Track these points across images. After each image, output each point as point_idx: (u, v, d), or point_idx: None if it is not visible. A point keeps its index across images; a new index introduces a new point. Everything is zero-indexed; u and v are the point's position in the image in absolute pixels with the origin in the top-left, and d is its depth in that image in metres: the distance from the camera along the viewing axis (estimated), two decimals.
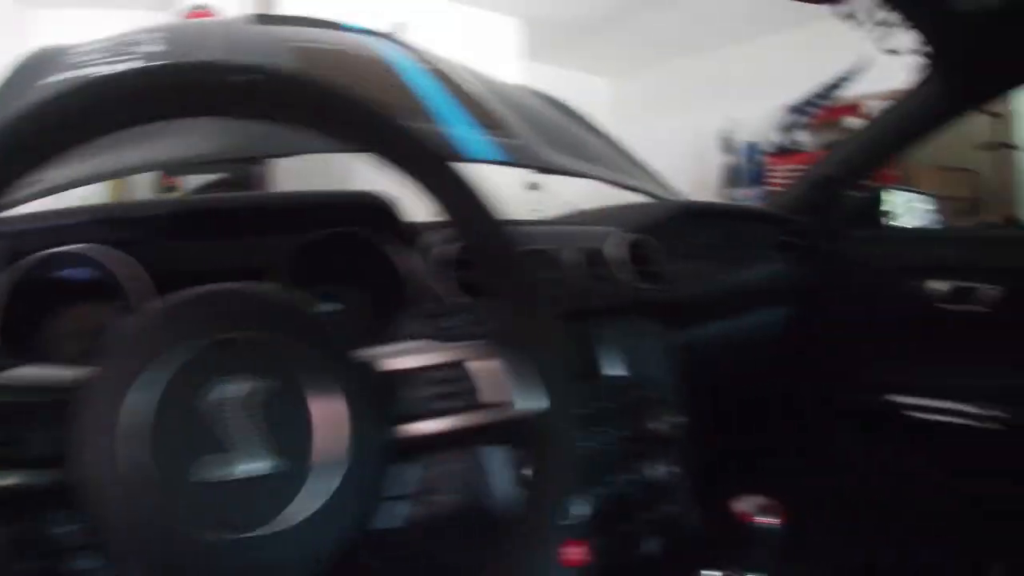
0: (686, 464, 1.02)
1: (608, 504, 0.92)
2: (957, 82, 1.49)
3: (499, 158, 1.06)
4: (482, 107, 1.17)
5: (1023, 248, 1.62)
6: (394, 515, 0.54)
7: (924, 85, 1.53)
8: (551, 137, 1.26)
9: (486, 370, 0.51)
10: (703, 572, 0.91)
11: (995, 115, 3.84)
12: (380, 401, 0.48)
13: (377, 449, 0.47)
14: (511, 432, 0.51)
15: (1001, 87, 1.54)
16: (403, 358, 0.51)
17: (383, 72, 1.15)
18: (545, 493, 0.49)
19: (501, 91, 1.35)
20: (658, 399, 1.02)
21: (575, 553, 0.87)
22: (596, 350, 0.99)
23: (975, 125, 3.90)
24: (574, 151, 1.37)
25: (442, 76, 1.21)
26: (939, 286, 1.57)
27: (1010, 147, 3.94)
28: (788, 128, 4.53)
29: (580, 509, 0.88)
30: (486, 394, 0.51)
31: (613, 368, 0.99)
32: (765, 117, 4.63)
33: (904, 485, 1.48)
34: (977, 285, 1.50)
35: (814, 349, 1.59)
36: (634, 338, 1.02)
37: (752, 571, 0.78)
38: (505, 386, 0.51)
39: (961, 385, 1.56)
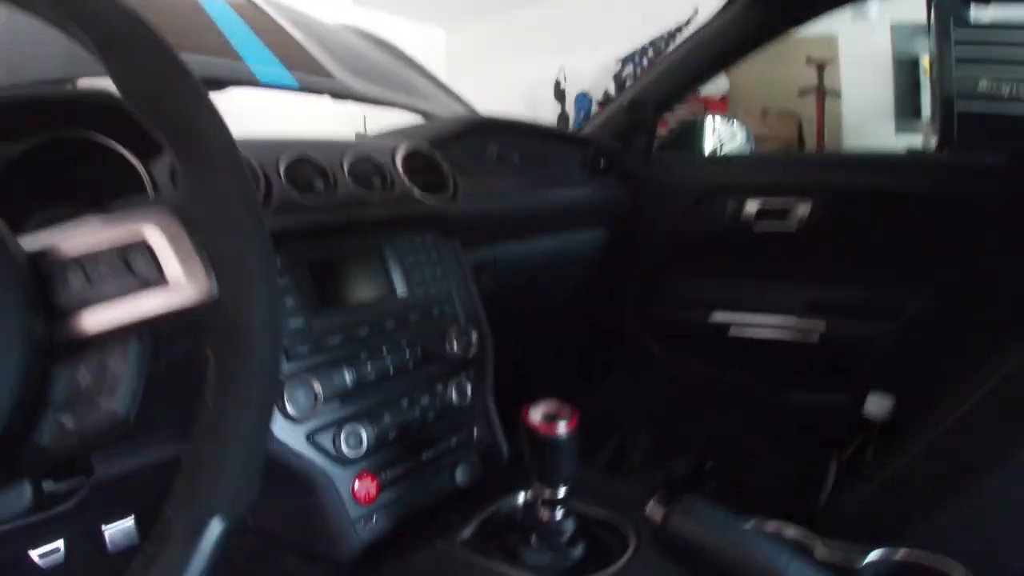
0: (485, 386, 0.98)
1: (403, 432, 0.86)
2: (765, 3, 1.51)
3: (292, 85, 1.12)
4: (286, 40, 1.21)
5: (828, 169, 1.68)
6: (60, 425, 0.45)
7: (733, 5, 1.54)
8: (357, 67, 1.25)
9: (169, 251, 0.43)
10: (511, 498, 0.88)
11: (820, 65, 4.08)
12: (37, 290, 0.39)
13: (33, 346, 0.38)
14: (192, 321, 0.43)
15: (812, 8, 1.58)
16: (74, 239, 0.42)
17: (191, 10, 1.15)
18: (227, 395, 0.42)
19: (314, 27, 1.34)
20: (456, 319, 0.97)
21: (363, 486, 0.81)
22: (386, 267, 0.92)
23: (801, 72, 4.13)
24: (382, 80, 1.33)
25: (249, 13, 1.24)
26: (751, 207, 1.62)
27: (832, 94, 4.18)
28: (621, 78, 4.61)
29: (362, 437, 0.81)
30: (171, 277, 0.43)
31: (404, 286, 0.92)
32: (599, 67, 4.70)
33: (726, 395, 1.52)
34: (787, 207, 1.55)
35: (630, 269, 1.60)
36: (425, 254, 0.96)
37: (554, 484, 0.74)
38: (190, 267, 0.43)
39: (774, 300, 1.61)
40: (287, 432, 0.76)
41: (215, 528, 0.41)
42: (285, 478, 0.79)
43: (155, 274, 0.42)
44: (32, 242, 0.41)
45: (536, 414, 0.72)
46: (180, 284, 0.42)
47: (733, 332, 1.59)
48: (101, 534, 0.96)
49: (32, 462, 0.48)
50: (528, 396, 0.89)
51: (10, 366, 0.36)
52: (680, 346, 1.60)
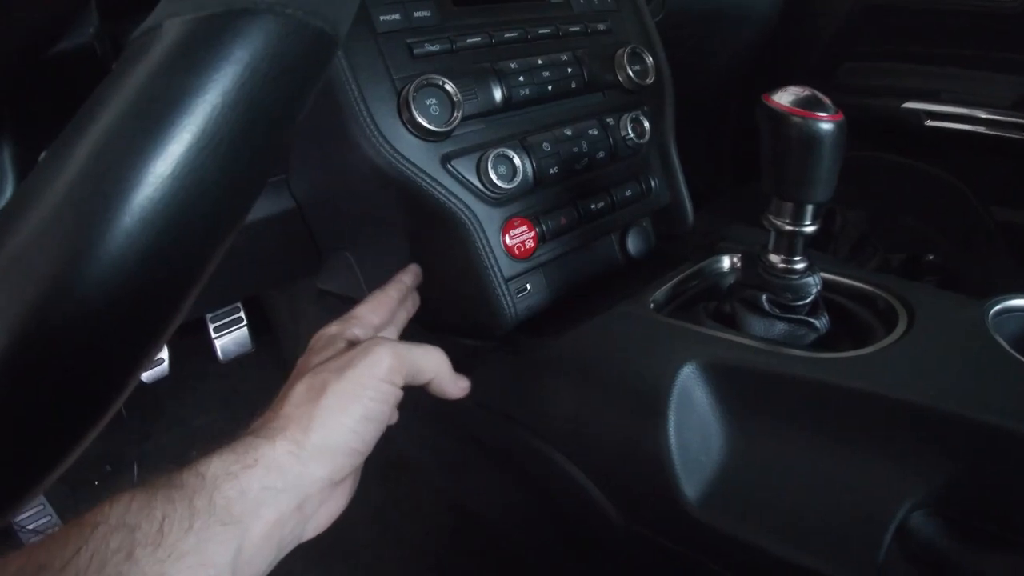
0: (665, 126, 0.74)
1: (566, 168, 0.63)
2: None
3: None
4: None
5: None
6: None
7: None
8: None
9: None
10: (714, 261, 0.65)
11: None
12: None
13: None
14: None
15: None
16: None
17: None
18: None
19: None
20: (627, 39, 0.73)
21: (520, 237, 0.59)
22: None
23: None
24: None
25: None
26: None
27: None
28: None
29: (516, 166, 0.59)
30: None
31: None
32: None
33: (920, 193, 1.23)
34: None
35: (805, 45, 1.31)
36: None
37: (803, 201, 0.51)
38: None
39: (979, 91, 1.30)
40: (417, 152, 0.55)
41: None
42: (413, 223, 0.59)
43: None
44: None
45: (784, 97, 0.48)
46: None
47: (929, 123, 1.28)
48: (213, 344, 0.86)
49: None
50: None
51: None
52: (864, 138, 1.31)
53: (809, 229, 0.51)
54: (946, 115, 1.30)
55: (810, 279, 0.54)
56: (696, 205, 0.75)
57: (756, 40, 1.27)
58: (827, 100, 0.48)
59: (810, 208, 0.51)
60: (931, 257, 1.02)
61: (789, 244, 0.53)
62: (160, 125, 0.22)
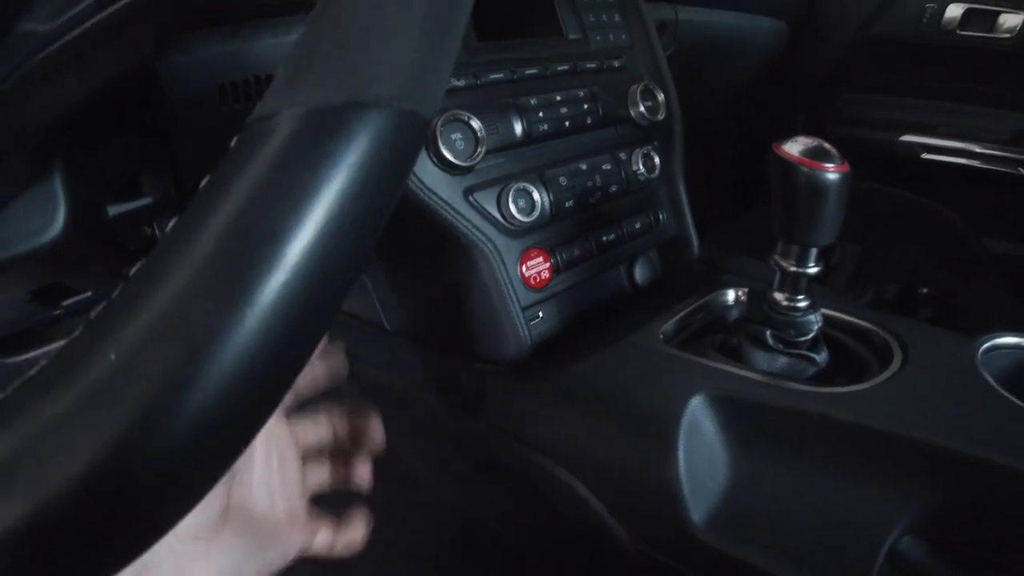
0: (674, 161, 0.77)
1: (581, 201, 0.66)
2: None
3: None
4: None
5: None
6: None
7: None
8: None
9: None
10: (719, 295, 0.68)
11: None
12: None
13: None
14: None
15: None
16: None
17: None
18: None
19: None
20: (639, 75, 0.76)
21: (536, 266, 0.62)
22: (554, 5, 0.70)
23: None
24: None
25: None
26: (954, 10, 1.32)
27: None
28: None
29: (535, 199, 0.62)
30: None
31: (577, 28, 0.71)
32: None
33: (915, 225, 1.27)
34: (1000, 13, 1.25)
35: (805, 76, 1.34)
36: None
37: (807, 244, 0.54)
38: None
39: (974, 126, 1.33)
40: (441, 183, 0.58)
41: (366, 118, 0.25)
42: (434, 251, 0.62)
43: None
44: None
45: (794, 147, 0.51)
46: None
47: (925, 156, 1.32)
48: None
49: None
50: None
51: None
52: (860, 169, 1.34)
53: (813, 270, 0.54)
54: (943, 149, 1.34)
55: (812, 316, 0.56)
56: (699, 233, 0.78)
57: (759, 71, 1.31)
58: (834, 151, 0.51)
59: (814, 251, 0.54)
60: (925, 290, 1.06)
61: (793, 283, 0.56)
62: (298, 212, 0.23)
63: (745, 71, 1.29)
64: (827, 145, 0.51)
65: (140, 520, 0.23)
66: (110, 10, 0.33)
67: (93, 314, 0.24)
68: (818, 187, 0.49)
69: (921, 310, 1.04)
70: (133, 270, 0.24)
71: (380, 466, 0.55)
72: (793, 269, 0.54)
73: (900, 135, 1.35)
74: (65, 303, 0.63)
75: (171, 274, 0.23)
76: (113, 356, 0.22)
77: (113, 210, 0.53)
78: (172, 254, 0.23)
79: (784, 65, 1.31)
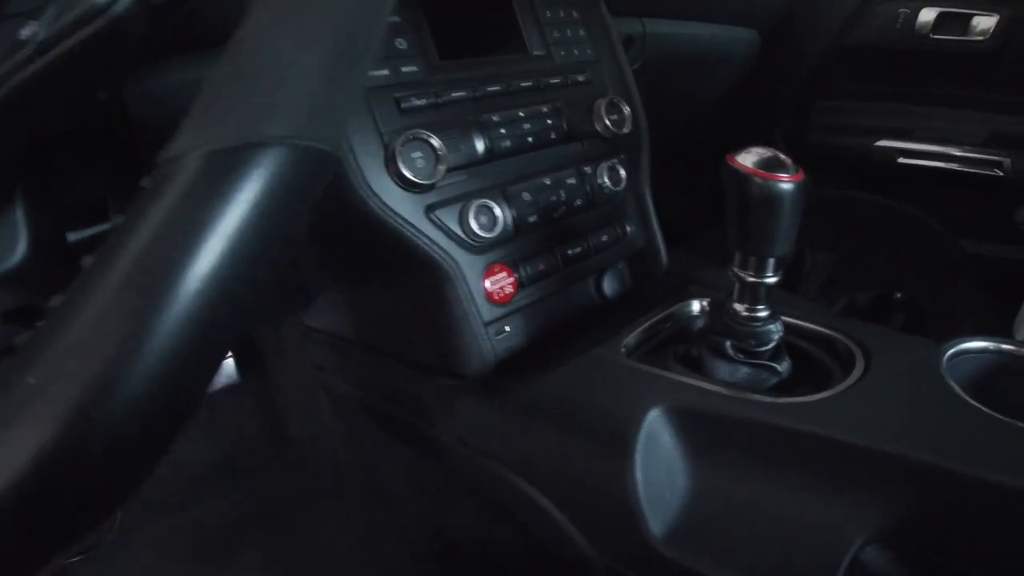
0: (641, 174, 0.77)
1: (544, 216, 0.66)
2: None
3: None
4: None
5: None
6: None
7: None
8: None
9: None
10: (683, 306, 0.69)
11: None
12: None
13: None
14: None
15: None
16: None
17: None
18: None
19: None
20: (604, 90, 0.76)
21: (499, 282, 0.63)
22: (516, 20, 0.71)
23: None
24: None
25: None
26: (927, 15, 1.33)
27: None
28: None
29: (497, 215, 0.62)
30: None
31: (541, 44, 0.72)
32: None
33: (893, 230, 1.28)
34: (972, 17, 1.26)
35: (781, 84, 1.35)
36: (565, 10, 0.75)
37: (764, 255, 0.54)
38: None
39: (949, 129, 1.34)
40: (402, 202, 0.58)
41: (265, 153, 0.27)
42: (398, 268, 0.62)
43: None
44: None
45: (747, 158, 0.51)
46: None
47: (901, 160, 1.33)
48: None
49: None
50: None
51: None
52: (837, 176, 1.35)
53: (771, 280, 0.55)
54: (919, 153, 1.35)
55: (772, 326, 0.57)
56: (673, 244, 0.78)
57: (734, 82, 1.32)
58: (789, 160, 0.51)
59: (772, 261, 0.54)
60: (899, 295, 1.06)
61: (752, 294, 0.56)
62: (196, 245, 0.25)
63: (719, 82, 1.29)
64: (782, 156, 0.52)
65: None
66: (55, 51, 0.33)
67: (18, 341, 0.26)
68: (772, 198, 0.50)
69: (895, 316, 1.05)
70: (53, 302, 0.26)
71: (354, 478, 0.55)
72: (751, 279, 0.55)
73: (876, 140, 1.36)
74: (39, 324, 0.63)
75: (86, 306, 0.25)
76: (32, 380, 0.24)
77: (73, 236, 0.53)
78: (88, 287, 0.25)
79: (759, 74, 1.32)
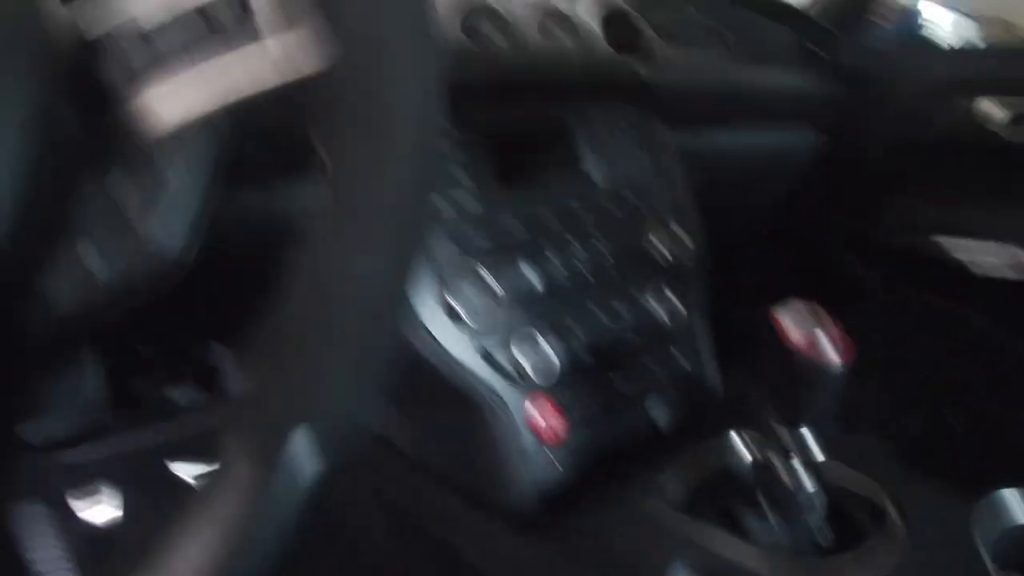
0: (695, 301, 0.76)
1: (597, 352, 0.66)
2: None
3: None
4: None
5: None
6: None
7: None
8: None
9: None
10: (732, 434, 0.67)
11: None
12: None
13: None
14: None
15: None
16: None
17: None
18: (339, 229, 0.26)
19: None
20: (661, 215, 0.76)
21: (550, 422, 0.62)
22: (576, 146, 0.72)
23: None
24: None
25: None
26: (996, 111, 1.29)
27: None
28: None
29: (550, 355, 0.62)
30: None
31: (599, 170, 0.72)
32: None
33: (959, 341, 1.23)
34: None
35: (845, 183, 1.32)
36: (623, 133, 0.75)
37: (805, 424, 0.53)
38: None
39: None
40: (455, 341, 0.58)
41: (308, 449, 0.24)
42: (447, 401, 0.62)
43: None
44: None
45: (792, 324, 0.50)
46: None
47: (970, 266, 1.29)
48: None
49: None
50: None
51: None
52: (903, 278, 1.31)
53: (817, 454, 0.54)
54: (977, 250, 1.31)
55: (809, 486, 0.55)
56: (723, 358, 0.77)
57: (793, 183, 1.30)
58: (835, 329, 0.50)
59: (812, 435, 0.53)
60: (949, 417, 1.03)
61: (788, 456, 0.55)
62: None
63: (777, 186, 1.28)
64: (827, 320, 0.50)
65: None
66: None
67: None
68: (819, 379, 0.49)
69: (950, 440, 1.01)
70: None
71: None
72: (792, 452, 0.54)
73: (948, 239, 1.32)
74: None
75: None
76: None
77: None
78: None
79: (821, 174, 1.30)
